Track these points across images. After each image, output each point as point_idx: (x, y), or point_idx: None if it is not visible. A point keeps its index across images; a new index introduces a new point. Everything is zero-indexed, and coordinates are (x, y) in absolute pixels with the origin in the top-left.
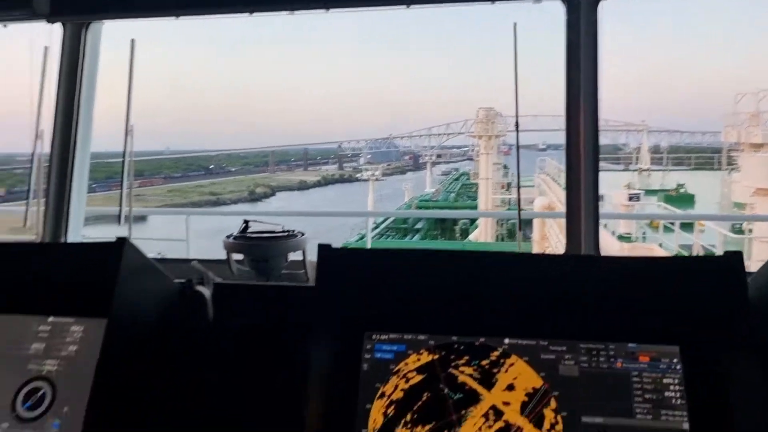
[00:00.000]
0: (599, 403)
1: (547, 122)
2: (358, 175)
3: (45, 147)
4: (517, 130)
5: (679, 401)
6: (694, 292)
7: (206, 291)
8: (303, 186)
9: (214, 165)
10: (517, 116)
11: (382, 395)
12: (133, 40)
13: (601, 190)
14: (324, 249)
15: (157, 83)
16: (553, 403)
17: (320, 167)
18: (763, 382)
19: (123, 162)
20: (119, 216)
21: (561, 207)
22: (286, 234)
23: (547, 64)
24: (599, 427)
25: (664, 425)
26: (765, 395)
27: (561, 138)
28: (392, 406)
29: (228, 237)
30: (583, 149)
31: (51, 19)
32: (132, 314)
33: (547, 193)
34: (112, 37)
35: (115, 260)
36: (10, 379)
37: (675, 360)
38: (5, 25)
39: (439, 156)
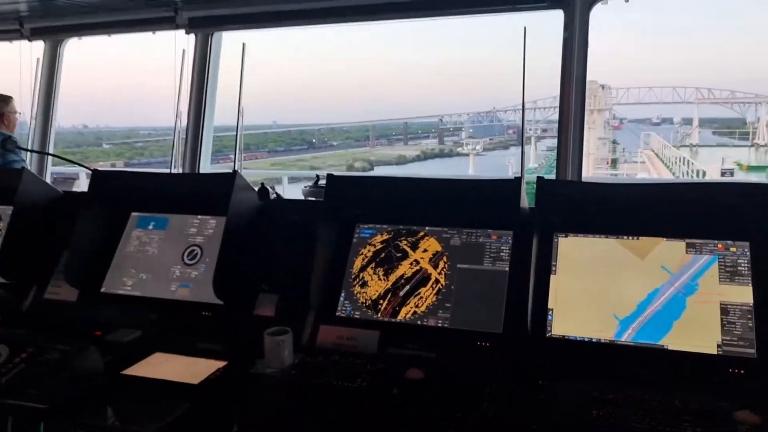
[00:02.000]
0: (468, 258)
1: (665, 95)
2: (459, 150)
3: (181, 122)
4: (523, 118)
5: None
6: None
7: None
8: (401, 161)
9: (316, 139)
10: (523, 108)
11: (362, 254)
12: (243, 44)
13: (705, 166)
14: (331, 177)
15: (266, 64)
16: (445, 258)
17: (420, 141)
18: None
19: (236, 136)
20: (234, 163)
21: None
22: None
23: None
24: (466, 270)
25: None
26: None
27: (673, 111)
28: (365, 260)
29: (305, 187)
30: (572, 125)
31: (188, 31)
32: (239, 213)
33: (649, 170)
34: (230, 38)
35: (231, 183)
36: (181, 246)
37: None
38: (154, 33)
39: (544, 131)
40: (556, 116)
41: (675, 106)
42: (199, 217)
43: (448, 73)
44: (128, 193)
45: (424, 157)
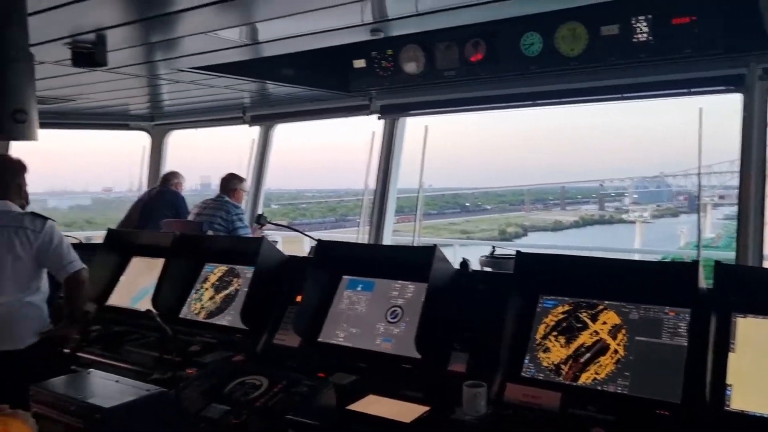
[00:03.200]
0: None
1: None
2: (623, 216)
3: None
4: (699, 195)
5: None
6: None
7: None
8: (558, 226)
9: (469, 203)
10: (699, 187)
11: (544, 322)
12: (426, 128)
13: None
14: (520, 254)
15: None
16: (624, 331)
17: (579, 207)
18: None
19: (416, 207)
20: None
21: None
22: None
23: None
24: (644, 342)
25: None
26: None
27: None
28: (547, 328)
29: (482, 257)
30: (752, 206)
31: (381, 117)
32: (437, 281)
33: None
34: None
35: (431, 255)
36: (384, 306)
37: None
38: (348, 117)
39: (721, 197)
40: (733, 181)
41: None
42: (400, 282)
43: (610, 136)
44: (342, 259)
45: (583, 223)
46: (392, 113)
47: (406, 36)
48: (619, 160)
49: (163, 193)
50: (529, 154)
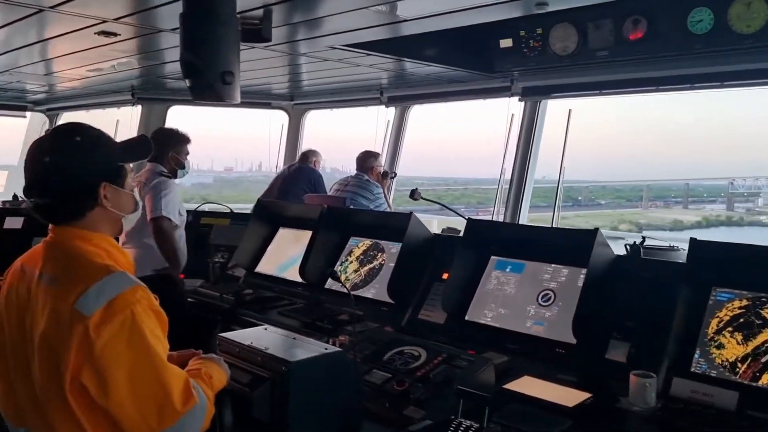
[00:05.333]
0: None
1: None
2: (756, 218)
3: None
4: None
5: None
6: None
7: None
8: (677, 226)
9: (582, 197)
10: None
11: (717, 317)
12: (570, 110)
13: None
14: (694, 240)
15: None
16: None
17: (704, 206)
18: None
19: (556, 191)
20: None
21: None
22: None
23: None
24: None
25: None
26: None
27: None
28: (721, 323)
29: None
30: None
31: (521, 99)
32: (598, 266)
33: None
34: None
35: (592, 238)
36: (535, 289)
37: None
38: (484, 99)
39: None
40: None
41: None
42: (553, 265)
43: (742, 131)
44: (491, 239)
45: (706, 224)
46: (535, 95)
47: (556, 14)
48: (752, 156)
49: (302, 169)
50: (653, 146)
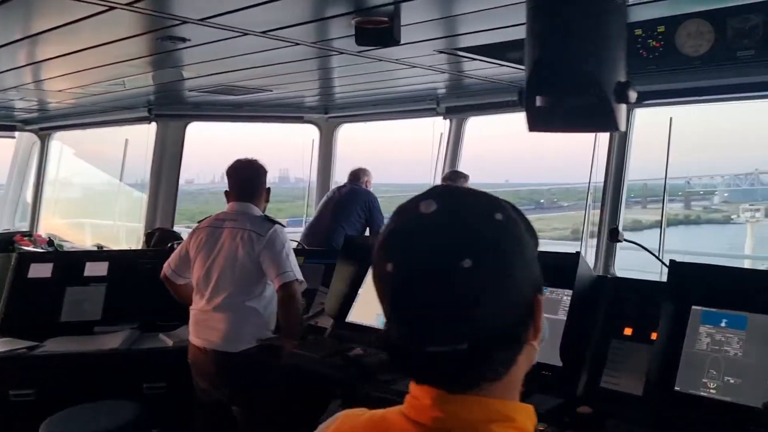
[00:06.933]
0: None
1: None
2: (712, 216)
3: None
4: None
5: None
6: None
7: None
8: (636, 226)
9: (545, 200)
10: None
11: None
12: (671, 118)
13: None
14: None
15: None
16: None
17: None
18: None
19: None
20: None
21: None
22: None
23: None
24: None
25: None
26: None
27: None
28: None
29: None
30: None
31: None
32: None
33: None
34: None
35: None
36: None
37: None
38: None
39: None
40: None
41: None
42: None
43: (697, 131)
44: (696, 285)
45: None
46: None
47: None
48: (708, 158)
49: (355, 192)
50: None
